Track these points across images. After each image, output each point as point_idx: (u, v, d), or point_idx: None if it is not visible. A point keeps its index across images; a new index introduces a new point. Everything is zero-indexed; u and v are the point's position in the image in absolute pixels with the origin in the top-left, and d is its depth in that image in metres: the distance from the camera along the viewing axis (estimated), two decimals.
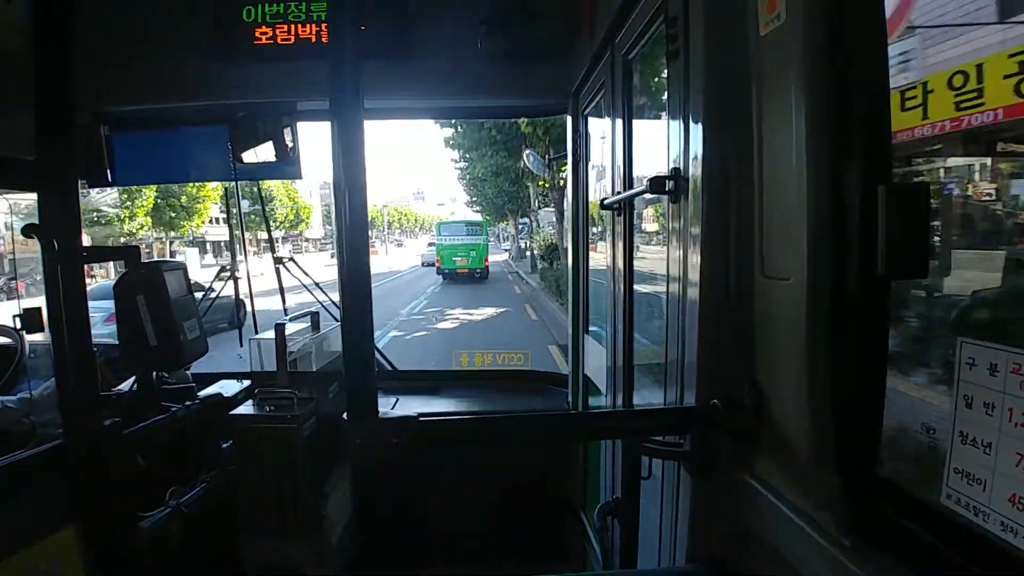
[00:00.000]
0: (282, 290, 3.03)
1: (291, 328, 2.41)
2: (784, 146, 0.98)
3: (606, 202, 1.99)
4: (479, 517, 2.73)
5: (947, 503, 0.80)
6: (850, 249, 0.88)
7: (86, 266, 2.02)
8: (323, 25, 2.42)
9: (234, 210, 3.18)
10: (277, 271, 3.03)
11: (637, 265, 1.92)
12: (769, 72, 1.04)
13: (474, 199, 28.80)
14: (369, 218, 1.11)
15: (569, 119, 2.70)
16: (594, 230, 2.76)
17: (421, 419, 1.06)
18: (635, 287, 1.91)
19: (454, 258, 24.73)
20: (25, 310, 2.00)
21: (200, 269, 21.40)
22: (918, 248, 0.83)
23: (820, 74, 0.91)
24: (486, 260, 25.23)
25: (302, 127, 2.69)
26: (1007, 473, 0.72)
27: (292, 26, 2.44)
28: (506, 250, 43.45)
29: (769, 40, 1.02)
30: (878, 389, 0.93)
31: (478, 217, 29.66)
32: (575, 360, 2.86)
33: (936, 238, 1.48)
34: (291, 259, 3.04)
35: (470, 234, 25.17)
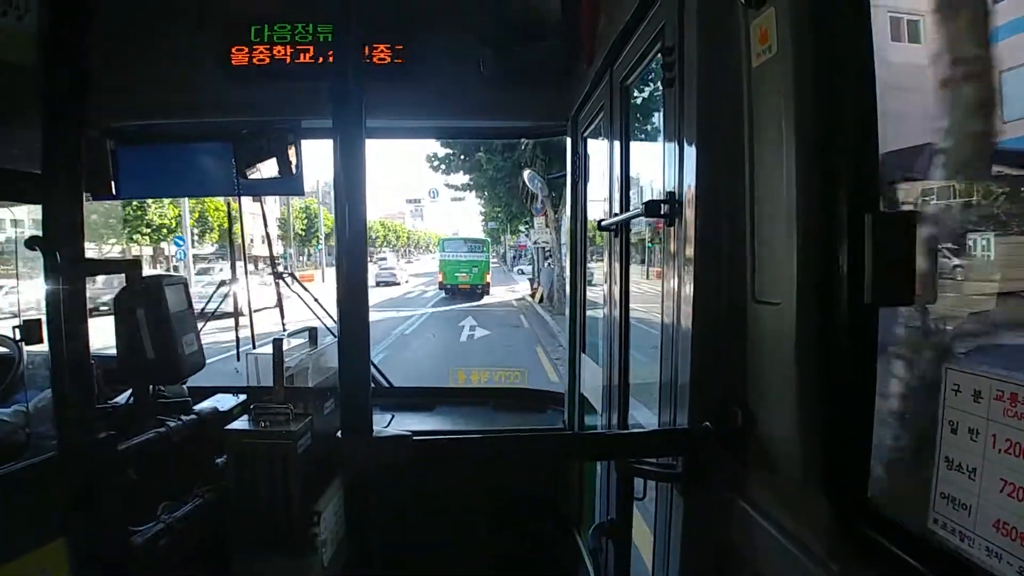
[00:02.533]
0: (280, 305, 3.04)
1: (288, 344, 2.42)
2: (775, 174, 1.01)
3: (603, 223, 2.02)
4: (474, 536, 2.71)
5: (934, 528, 0.80)
6: (839, 276, 0.90)
7: None
8: (328, 46, 2.47)
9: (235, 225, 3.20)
10: (276, 285, 3.05)
11: (634, 285, 1.94)
12: (761, 101, 1.07)
13: (475, 184, 22.11)
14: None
15: (569, 141, 2.74)
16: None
17: (415, 438, 1.07)
18: (631, 307, 1.93)
19: (457, 274, 24.95)
20: (25, 321, 2.01)
21: None
22: (904, 276, 0.85)
23: (810, 104, 0.94)
24: (487, 277, 25.34)
25: None
26: (991, 499, 0.73)
27: (298, 47, 2.49)
28: (528, 279, 27.09)
29: (761, 70, 1.05)
30: (867, 413, 0.94)
31: (481, 235, 29.66)
32: (571, 379, 2.86)
33: None
34: (291, 274, 3.06)
35: (472, 251, 25.46)
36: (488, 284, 25.49)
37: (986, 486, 0.74)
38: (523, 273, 33.48)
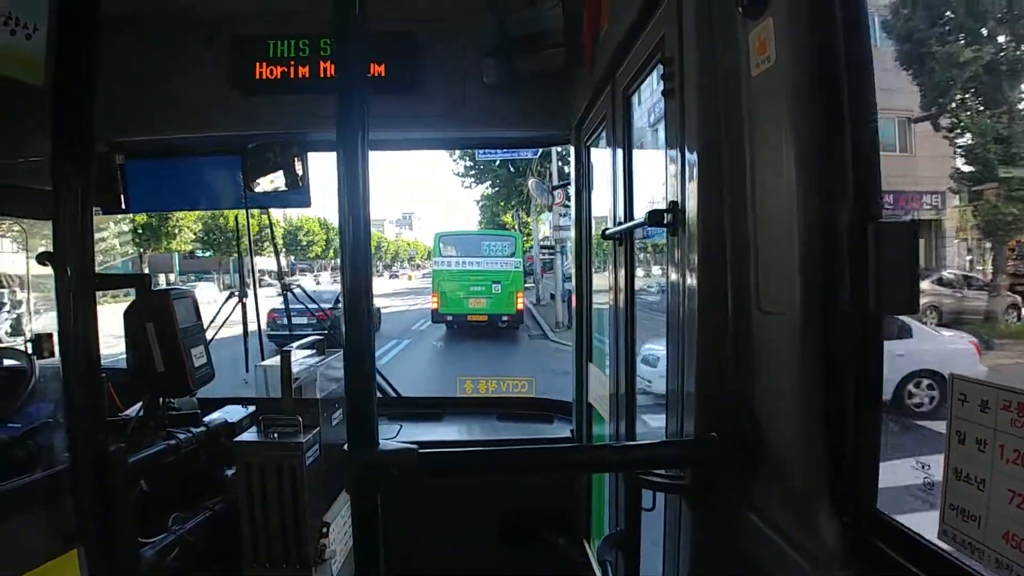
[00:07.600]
0: (289, 316, 3.06)
1: (297, 354, 2.43)
2: (776, 183, 1.00)
3: (607, 232, 2.02)
4: (482, 547, 2.70)
5: (943, 539, 0.79)
6: (842, 285, 0.90)
7: None
8: (333, 60, 2.49)
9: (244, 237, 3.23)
10: (284, 297, 3.07)
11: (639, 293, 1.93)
12: (761, 111, 1.07)
13: None
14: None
15: (572, 150, 2.75)
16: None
17: (420, 451, 1.07)
18: (636, 316, 1.93)
19: (465, 296, 14.41)
20: (37, 335, 2.03)
21: None
22: (908, 284, 0.84)
23: (810, 113, 0.94)
24: (519, 300, 14.52)
25: None
26: (1000, 510, 0.72)
27: (304, 61, 2.52)
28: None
29: (760, 80, 1.05)
30: (874, 423, 0.93)
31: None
32: (578, 388, 2.85)
33: None
34: (299, 285, 3.08)
35: (492, 254, 14.65)
36: (520, 312, 14.56)
37: (995, 497, 0.73)
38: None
